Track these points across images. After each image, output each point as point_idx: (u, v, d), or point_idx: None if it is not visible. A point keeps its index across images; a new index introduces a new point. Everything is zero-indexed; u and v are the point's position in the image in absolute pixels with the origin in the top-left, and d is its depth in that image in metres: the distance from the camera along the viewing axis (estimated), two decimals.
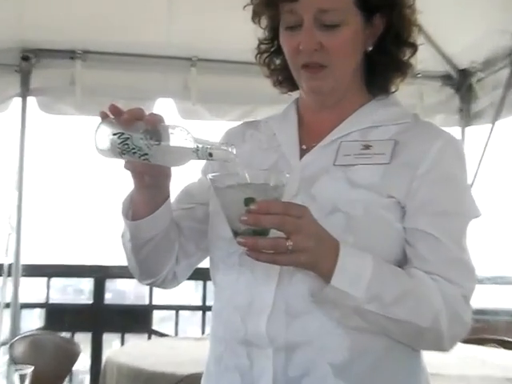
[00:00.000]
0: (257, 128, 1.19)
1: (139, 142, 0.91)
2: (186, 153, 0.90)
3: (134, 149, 0.91)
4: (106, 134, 0.94)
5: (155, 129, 0.91)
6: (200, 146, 0.90)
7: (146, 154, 0.91)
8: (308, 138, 1.11)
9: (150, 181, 1.01)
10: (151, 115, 0.93)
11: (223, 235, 1.04)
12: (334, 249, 0.91)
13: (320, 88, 1.08)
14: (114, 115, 0.95)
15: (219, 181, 0.90)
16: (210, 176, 0.90)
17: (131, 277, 1.17)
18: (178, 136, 0.90)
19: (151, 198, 1.05)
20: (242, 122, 1.25)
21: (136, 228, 1.07)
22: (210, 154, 0.90)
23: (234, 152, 0.91)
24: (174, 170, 1.02)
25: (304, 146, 1.10)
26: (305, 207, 0.88)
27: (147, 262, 1.12)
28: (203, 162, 1.23)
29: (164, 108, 3.24)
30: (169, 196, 1.07)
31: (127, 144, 0.92)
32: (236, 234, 0.87)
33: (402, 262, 1.01)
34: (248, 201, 0.84)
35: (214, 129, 3.32)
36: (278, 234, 0.85)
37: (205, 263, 1.19)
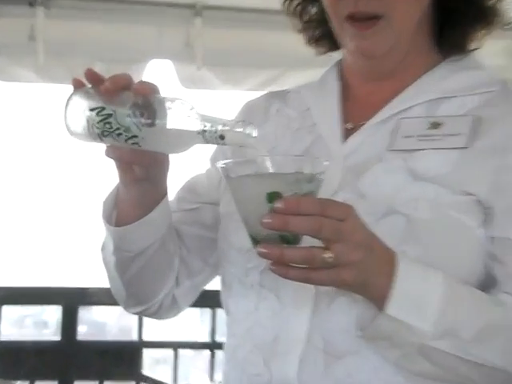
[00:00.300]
0: (285, 100, 1.21)
1: (125, 120, 0.93)
2: (189, 135, 0.92)
3: (118, 129, 0.93)
4: (80, 110, 0.96)
5: (147, 102, 0.93)
6: (208, 125, 0.91)
7: (135, 137, 0.93)
8: (354, 113, 1.12)
9: (141, 173, 1.03)
10: (142, 84, 0.95)
11: (239, 245, 1.06)
12: (389, 263, 0.92)
13: (372, 49, 1.08)
14: (92, 84, 0.96)
15: (233, 170, 0.91)
16: (220, 164, 0.91)
17: (114, 303, 1.19)
18: (177, 112, 0.92)
19: (142, 195, 1.06)
20: (264, 93, 1.27)
21: (122, 237, 1.09)
22: (222, 137, 0.91)
23: (254, 134, 0.92)
24: (172, 157, 1.04)
25: (349, 125, 1.11)
26: (349, 206, 0.89)
27: (137, 283, 1.14)
28: (212, 148, 1.25)
29: (159, 73, 3.25)
30: (166, 193, 1.09)
31: (109, 123, 0.94)
32: (256, 241, 0.88)
33: (487, 283, 1.01)
34: (272, 196, 0.85)
35: (226, 101, 3.34)
36: (313, 243, 0.86)
37: (214, 284, 1.21)
